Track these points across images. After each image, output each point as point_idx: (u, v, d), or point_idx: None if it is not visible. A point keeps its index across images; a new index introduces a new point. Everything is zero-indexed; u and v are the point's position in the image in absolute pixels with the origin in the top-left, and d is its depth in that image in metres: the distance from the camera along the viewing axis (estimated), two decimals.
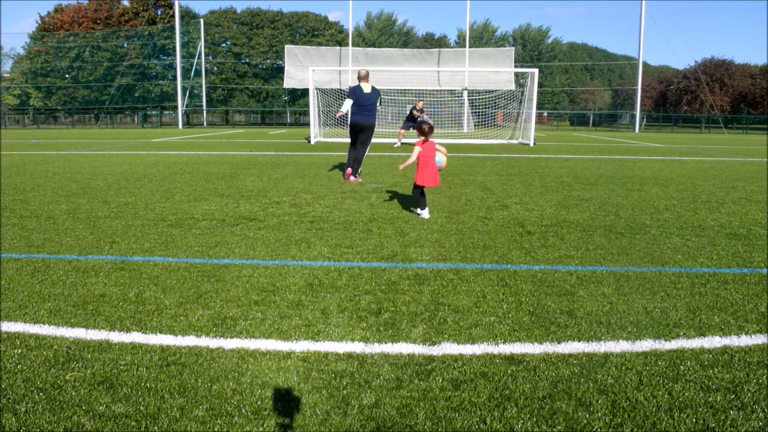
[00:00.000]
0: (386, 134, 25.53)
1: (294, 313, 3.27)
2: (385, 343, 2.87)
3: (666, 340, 2.91)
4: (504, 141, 23.71)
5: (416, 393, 2.38)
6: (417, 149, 6.31)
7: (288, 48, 46.30)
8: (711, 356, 2.74)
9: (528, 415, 2.21)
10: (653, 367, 2.62)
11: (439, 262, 4.37)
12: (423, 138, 6.33)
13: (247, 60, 61.58)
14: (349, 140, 9.61)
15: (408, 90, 30.81)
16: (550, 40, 76.47)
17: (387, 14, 72.46)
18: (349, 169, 9.40)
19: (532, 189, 8.53)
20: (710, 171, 11.77)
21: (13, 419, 2.17)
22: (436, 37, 78.92)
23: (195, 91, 52.75)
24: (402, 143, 20.16)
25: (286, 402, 2.31)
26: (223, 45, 62.52)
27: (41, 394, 2.36)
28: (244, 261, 4.37)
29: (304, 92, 48.41)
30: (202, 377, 2.50)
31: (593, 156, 15.78)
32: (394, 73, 33.04)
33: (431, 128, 6.34)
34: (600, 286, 3.79)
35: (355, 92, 9.18)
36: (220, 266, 4.22)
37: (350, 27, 42.58)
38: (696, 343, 2.90)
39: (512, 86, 35.39)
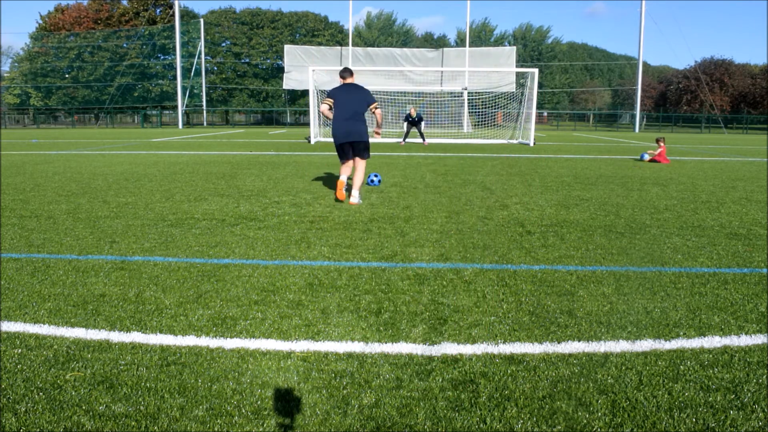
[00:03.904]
0: (386, 134, 25.52)
1: (294, 313, 3.27)
2: (385, 343, 2.87)
3: (666, 340, 2.91)
4: (504, 141, 23.71)
5: (416, 393, 2.38)
6: None
7: (287, 48, 46.30)
8: (711, 356, 2.74)
9: (528, 415, 2.21)
10: (653, 367, 2.62)
11: (439, 262, 4.37)
12: None
13: (247, 60, 61.59)
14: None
15: (408, 91, 30.81)
16: (550, 40, 76.47)
17: (387, 14, 72.47)
18: None
19: (532, 189, 8.53)
20: (710, 171, 11.77)
21: (13, 419, 2.17)
22: (435, 36, 78.94)
23: (195, 91, 52.76)
24: (406, 142, 21.43)
25: (286, 402, 2.30)
26: (223, 45, 62.53)
27: (41, 394, 2.35)
28: (244, 261, 4.36)
29: (304, 92, 48.42)
30: (202, 377, 2.50)
31: (593, 156, 15.78)
32: (394, 73, 33.05)
33: None
34: (600, 286, 3.79)
35: None
36: (220, 266, 4.22)
37: (350, 27, 42.61)
38: (696, 343, 2.90)
39: (513, 86, 35.40)
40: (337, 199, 7.28)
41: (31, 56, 55.27)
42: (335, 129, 7.24)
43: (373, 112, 7.36)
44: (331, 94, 7.35)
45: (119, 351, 2.76)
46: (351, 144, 7.21)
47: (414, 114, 20.87)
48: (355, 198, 7.12)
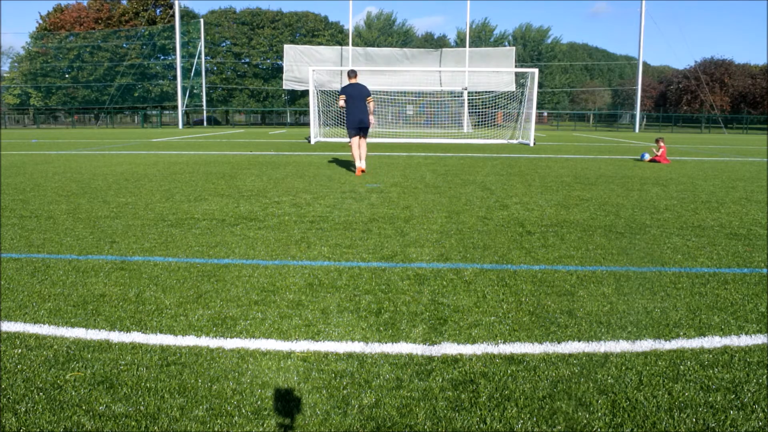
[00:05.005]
0: (386, 134, 25.53)
1: (294, 313, 3.27)
2: (385, 343, 2.87)
3: (666, 340, 2.91)
4: (504, 141, 23.71)
5: (416, 393, 2.38)
6: None
7: (287, 48, 46.24)
8: (711, 356, 2.74)
9: (528, 415, 2.21)
10: (653, 367, 2.62)
11: (439, 262, 4.37)
12: None
13: (247, 60, 61.60)
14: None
15: (408, 91, 30.81)
16: (549, 40, 76.47)
17: (387, 14, 72.46)
18: None
19: (532, 189, 8.52)
20: (710, 171, 11.77)
21: (13, 419, 2.17)
22: (435, 37, 78.95)
23: (195, 91, 52.76)
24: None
25: (286, 402, 2.31)
26: (223, 45, 62.55)
27: (41, 394, 2.36)
28: (244, 261, 4.37)
29: (304, 92, 48.44)
30: (202, 377, 2.50)
31: (593, 156, 15.78)
32: (394, 73, 33.04)
33: None
34: (600, 286, 3.79)
35: None
36: (220, 266, 4.22)
37: (350, 27, 42.58)
38: (696, 343, 2.90)
39: (513, 86, 35.42)
40: (356, 174, 10.28)
41: (31, 56, 55.28)
42: (350, 118, 10.40)
43: (368, 103, 10.37)
44: (343, 91, 10.44)
45: (119, 351, 2.76)
46: (359, 128, 10.41)
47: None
48: (363, 164, 10.45)
